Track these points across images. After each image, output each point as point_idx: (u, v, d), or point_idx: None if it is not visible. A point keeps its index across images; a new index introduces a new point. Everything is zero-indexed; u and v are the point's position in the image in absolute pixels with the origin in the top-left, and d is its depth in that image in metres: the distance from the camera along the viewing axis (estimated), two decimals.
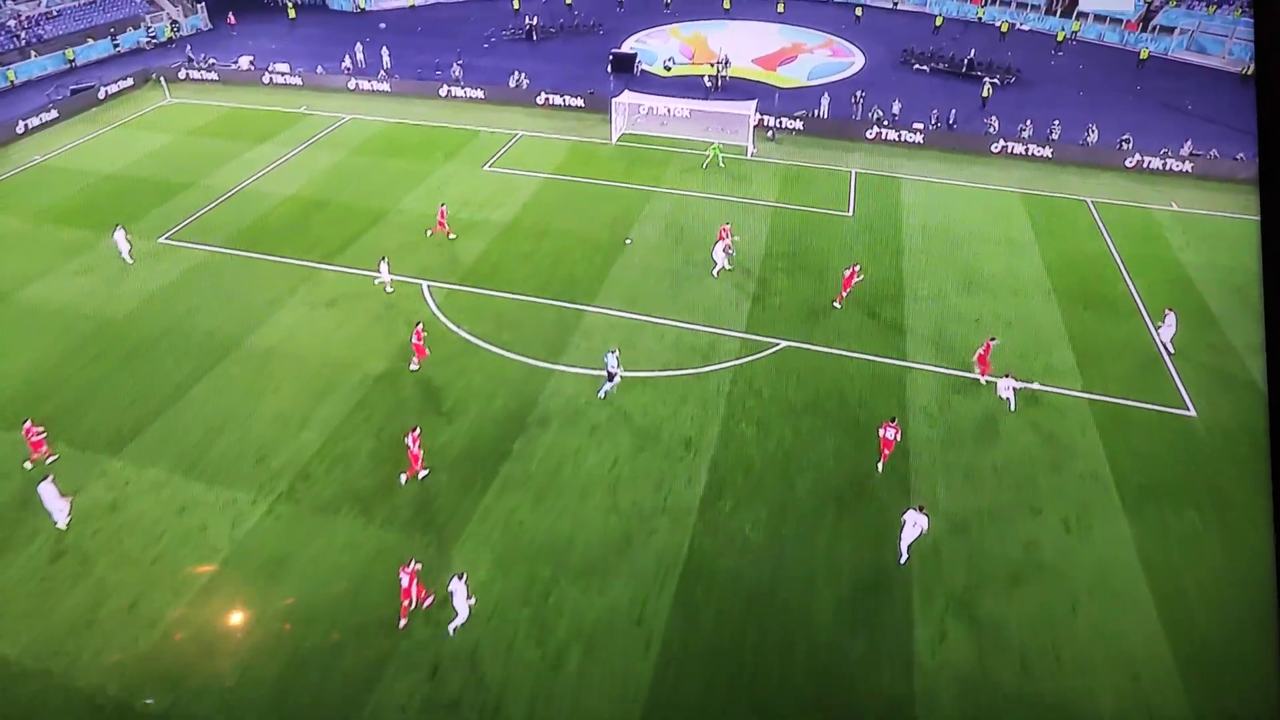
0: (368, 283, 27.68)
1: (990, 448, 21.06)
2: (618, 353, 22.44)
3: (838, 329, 25.56)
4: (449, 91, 45.47)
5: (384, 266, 27.31)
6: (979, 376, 23.19)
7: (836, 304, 26.60)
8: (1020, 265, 29.41)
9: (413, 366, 23.63)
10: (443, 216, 30.56)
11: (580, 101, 43.55)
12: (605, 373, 22.33)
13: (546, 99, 44.02)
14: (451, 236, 30.51)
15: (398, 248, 29.83)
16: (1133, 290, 27.94)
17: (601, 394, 22.48)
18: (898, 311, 26.46)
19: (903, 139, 39.90)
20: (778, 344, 24.78)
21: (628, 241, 30.21)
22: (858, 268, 26.84)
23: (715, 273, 28.08)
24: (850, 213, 33.20)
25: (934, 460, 20.53)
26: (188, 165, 37.22)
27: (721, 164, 36.80)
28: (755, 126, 39.66)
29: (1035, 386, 23.02)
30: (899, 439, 20.45)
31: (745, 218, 32.23)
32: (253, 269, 28.85)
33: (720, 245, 28.14)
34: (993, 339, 23.31)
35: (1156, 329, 25.32)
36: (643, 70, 50.23)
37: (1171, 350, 24.63)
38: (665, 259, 29.27)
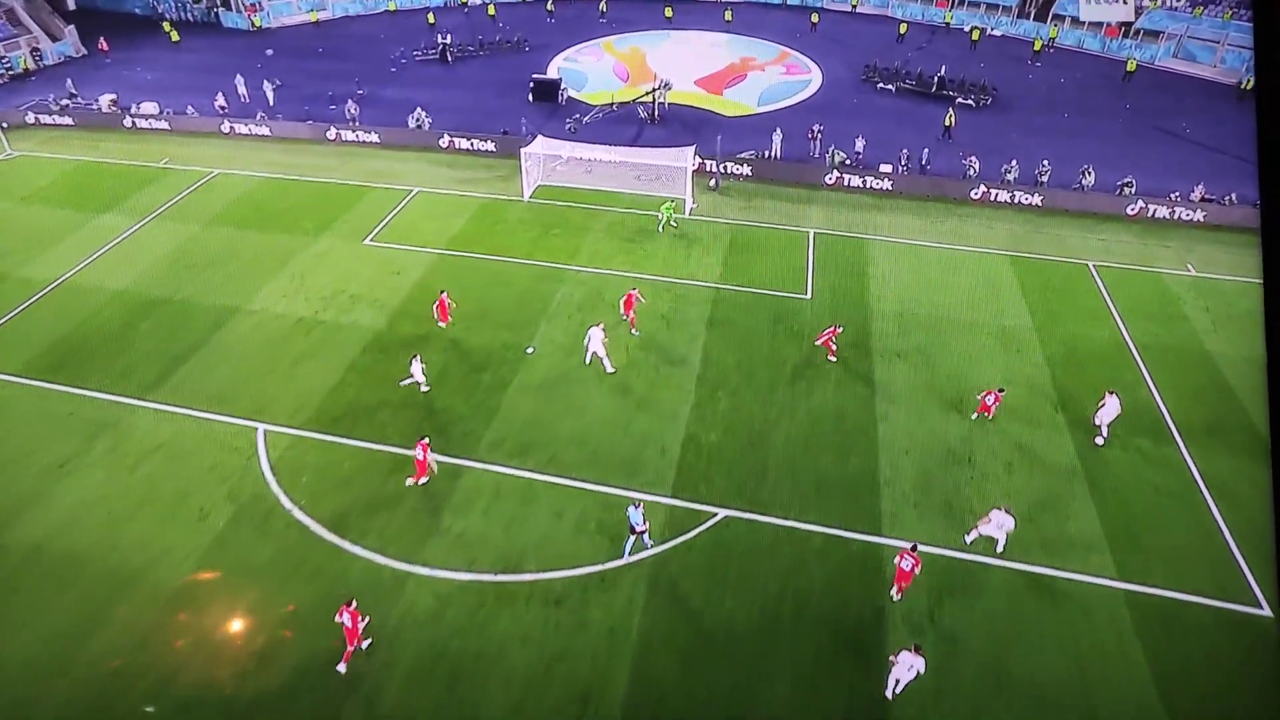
0: (192, 427, 21.29)
1: (1001, 691, 15.29)
2: (642, 507, 17.47)
3: (793, 482, 19.67)
4: (339, 135, 38.76)
5: (417, 365, 22.06)
6: (985, 413, 21.39)
7: (831, 359, 23.72)
8: (1019, 369, 23.70)
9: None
10: (443, 305, 24.55)
11: (491, 145, 37.16)
12: (630, 529, 17.44)
13: (451, 142, 37.57)
14: (443, 325, 24.80)
15: (237, 365, 23.48)
16: (1159, 402, 22.40)
17: (626, 552, 17.60)
18: (870, 452, 20.59)
19: (868, 185, 34.08)
20: (715, 514, 18.81)
21: (529, 350, 24.06)
22: (838, 329, 23.70)
23: (609, 368, 23.09)
24: (809, 294, 27.26)
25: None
26: (6, 248, 30.29)
27: (672, 224, 30.80)
28: (695, 172, 33.56)
29: (1054, 573, 17.36)
30: (917, 572, 16.38)
31: (681, 307, 26.22)
32: (48, 410, 22.22)
33: (598, 334, 22.91)
34: (1002, 390, 21.34)
35: (1096, 410, 21.04)
36: (568, 98, 43.86)
37: (1104, 436, 20.92)
38: (574, 377, 23.13)
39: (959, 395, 22.46)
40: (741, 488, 19.46)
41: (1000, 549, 17.57)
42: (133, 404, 22.33)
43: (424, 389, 22.38)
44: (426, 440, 19.24)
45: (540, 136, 33.74)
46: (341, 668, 15.36)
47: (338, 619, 15.25)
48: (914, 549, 16.58)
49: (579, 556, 17.69)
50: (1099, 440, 20.83)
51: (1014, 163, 33.35)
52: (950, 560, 17.75)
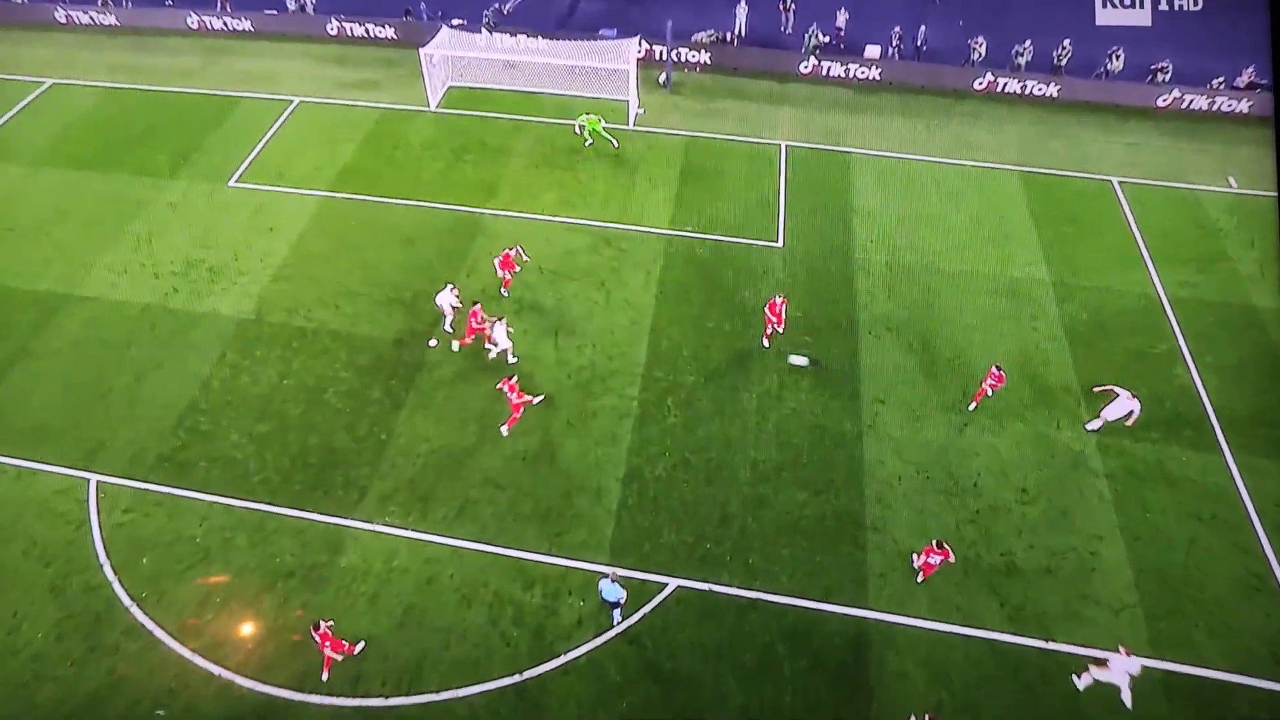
0: (5, 485, 16.77)
1: None
2: (616, 580, 14.22)
3: (759, 532, 15.92)
4: (202, 23, 31.34)
5: (501, 329, 18.19)
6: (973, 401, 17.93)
7: (765, 342, 19.27)
8: (1033, 343, 19.54)
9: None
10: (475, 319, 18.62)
11: (390, 31, 30.21)
12: (611, 601, 14.41)
13: (341, 29, 30.50)
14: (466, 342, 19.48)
15: (64, 385, 18.63)
16: (1199, 386, 18.54)
17: (616, 618, 14.57)
18: (854, 483, 16.71)
19: (852, 75, 28.17)
20: (664, 586, 15.14)
21: (431, 344, 19.36)
22: (784, 301, 19.05)
23: (455, 346, 19.14)
24: (780, 240, 22.38)
25: None
26: None
27: (612, 143, 25.16)
28: (640, 61, 27.34)
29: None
30: (949, 562, 14.37)
31: (623, 268, 21.37)
32: None
33: (449, 294, 18.88)
34: (997, 366, 17.35)
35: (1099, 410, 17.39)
36: None
37: (1094, 427, 17.46)
38: (488, 379, 18.60)
39: (960, 387, 18.41)
40: (696, 545, 15.68)
41: (1127, 700, 13.29)
42: None
43: (511, 360, 18.68)
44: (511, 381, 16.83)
45: (445, 28, 26.95)
46: (324, 675, 13.73)
47: (313, 634, 13.41)
48: (940, 544, 14.37)
49: (491, 663, 14.09)
50: (1090, 425, 17.45)
51: (1028, 43, 27.33)
52: (950, 639, 14.41)
